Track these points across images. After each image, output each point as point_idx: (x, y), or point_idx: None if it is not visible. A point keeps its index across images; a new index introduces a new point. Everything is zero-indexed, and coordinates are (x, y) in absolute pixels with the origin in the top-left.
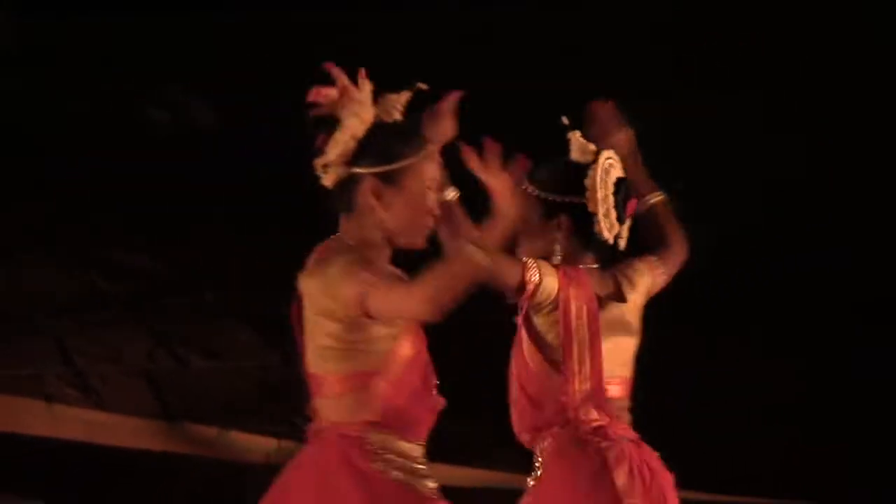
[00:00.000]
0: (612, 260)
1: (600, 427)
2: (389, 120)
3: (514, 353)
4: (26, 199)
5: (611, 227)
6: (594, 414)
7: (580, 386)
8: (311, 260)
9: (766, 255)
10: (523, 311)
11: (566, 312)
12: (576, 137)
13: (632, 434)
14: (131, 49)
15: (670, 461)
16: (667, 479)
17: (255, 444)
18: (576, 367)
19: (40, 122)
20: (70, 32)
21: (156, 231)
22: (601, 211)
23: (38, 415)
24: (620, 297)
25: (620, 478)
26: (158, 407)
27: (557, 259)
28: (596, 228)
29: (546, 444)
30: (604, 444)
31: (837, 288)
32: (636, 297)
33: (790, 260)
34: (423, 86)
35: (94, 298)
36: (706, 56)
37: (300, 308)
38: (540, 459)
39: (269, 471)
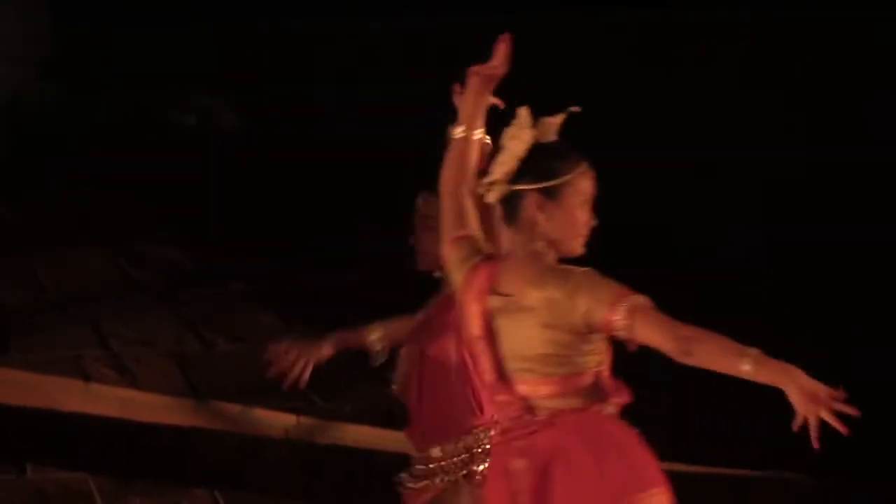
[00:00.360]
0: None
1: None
2: (546, 141)
3: (437, 333)
4: (67, 195)
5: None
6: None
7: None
8: (509, 275)
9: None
10: None
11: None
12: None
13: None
14: (161, 56)
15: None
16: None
17: (276, 420)
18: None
19: (79, 125)
20: (104, 41)
21: (185, 225)
22: None
23: (77, 393)
24: None
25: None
26: (187, 386)
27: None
28: None
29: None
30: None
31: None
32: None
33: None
34: (576, 109)
35: (129, 287)
36: None
37: (488, 318)
38: None
39: (288, 445)
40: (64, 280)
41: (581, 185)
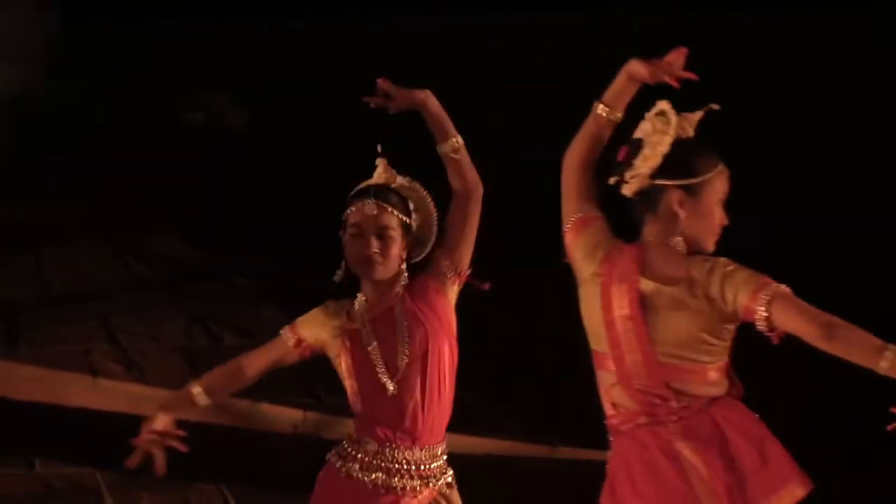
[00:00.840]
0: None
1: None
2: (685, 136)
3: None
4: (74, 193)
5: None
6: None
7: None
8: (655, 261)
9: None
10: None
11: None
12: (383, 164)
13: None
14: (168, 55)
15: None
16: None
17: (283, 416)
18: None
19: (86, 124)
20: (111, 40)
21: (192, 222)
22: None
23: (85, 388)
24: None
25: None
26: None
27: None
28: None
29: None
30: None
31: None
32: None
33: None
34: (715, 106)
35: (136, 283)
36: None
37: (639, 300)
38: None
39: (295, 440)
40: (71, 276)
41: (719, 185)
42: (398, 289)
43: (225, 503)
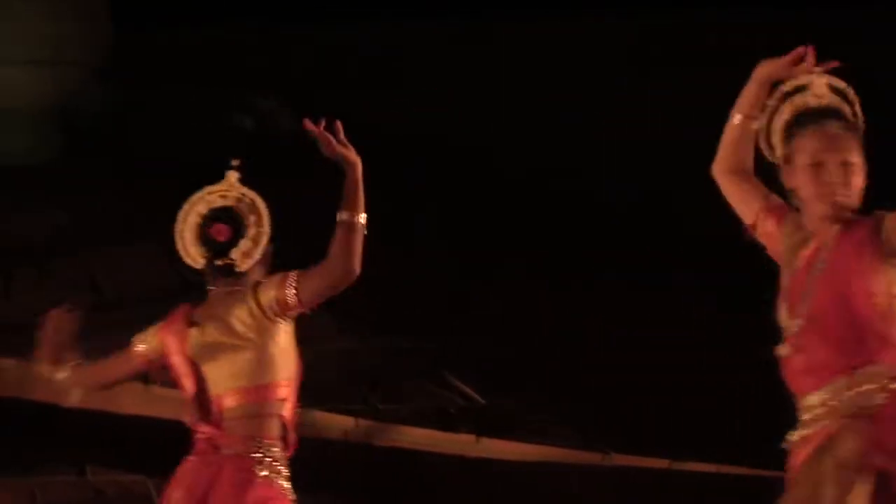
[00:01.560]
0: (227, 282)
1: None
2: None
3: None
4: (122, 198)
5: (193, 252)
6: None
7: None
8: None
9: None
10: None
11: (167, 352)
12: (228, 176)
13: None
14: (219, 59)
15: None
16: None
17: (334, 423)
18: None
19: (137, 128)
20: (162, 44)
21: None
22: (182, 236)
23: (136, 395)
24: (228, 318)
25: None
26: None
27: None
28: (181, 254)
29: None
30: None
31: None
32: (245, 312)
33: None
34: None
35: (186, 289)
36: None
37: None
38: None
39: (346, 447)
40: (122, 281)
41: (807, 147)
42: None
43: None
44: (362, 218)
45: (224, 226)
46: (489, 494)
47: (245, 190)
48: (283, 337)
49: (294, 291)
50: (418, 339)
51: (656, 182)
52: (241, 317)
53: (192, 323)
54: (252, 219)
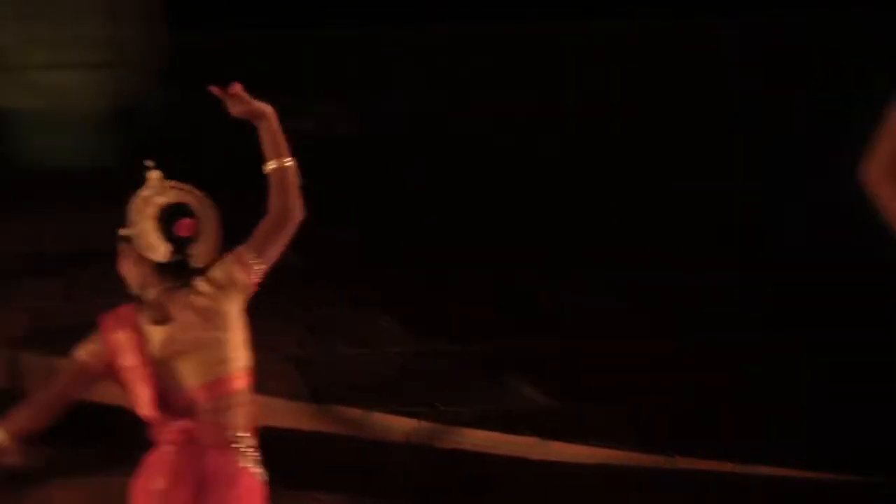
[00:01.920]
0: (187, 277)
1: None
2: None
3: None
4: None
5: (155, 250)
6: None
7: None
8: None
9: None
10: None
11: (114, 357)
12: (150, 176)
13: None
14: (278, 62)
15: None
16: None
17: (396, 425)
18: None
19: (197, 131)
20: (221, 47)
21: (305, 230)
22: (141, 234)
23: None
24: (204, 311)
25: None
26: (307, 390)
27: (139, 285)
28: (144, 253)
29: None
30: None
31: None
32: (226, 305)
33: None
34: None
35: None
36: None
37: None
38: None
39: (408, 449)
40: None
41: None
42: None
43: None
44: (290, 161)
45: (190, 221)
46: (551, 497)
47: (193, 188)
48: (240, 324)
49: (252, 253)
50: (481, 342)
51: None
52: (204, 306)
53: (153, 321)
54: (208, 215)
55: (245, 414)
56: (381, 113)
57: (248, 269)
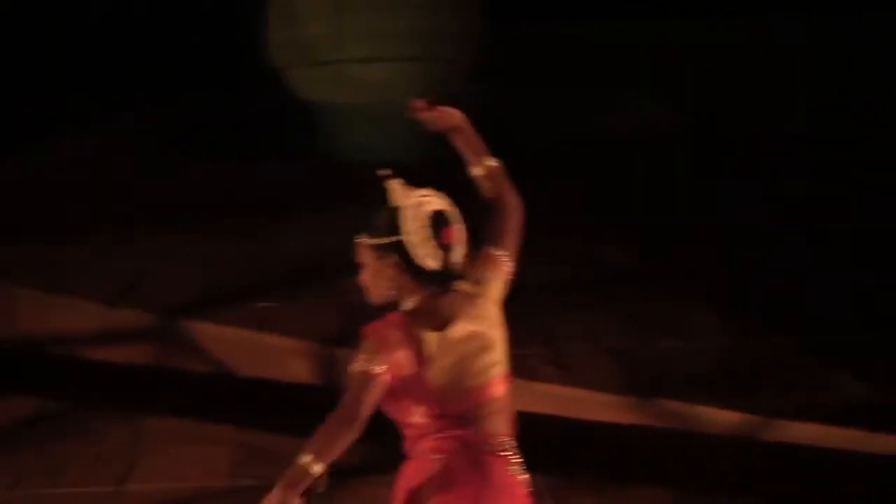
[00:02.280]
0: (450, 282)
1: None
2: None
3: None
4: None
5: (432, 256)
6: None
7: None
8: None
9: None
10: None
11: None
12: (393, 185)
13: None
14: (593, 55)
15: None
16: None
17: (717, 418)
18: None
19: (511, 125)
20: (534, 40)
21: (625, 224)
22: (416, 243)
23: (520, 391)
24: (475, 313)
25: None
26: (629, 383)
27: (394, 294)
28: (418, 261)
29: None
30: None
31: None
32: (491, 306)
33: None
34: None
35: (572, 285)
36: None
37: None
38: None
39: (729, 442)
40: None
41: None
42: None
43: None
44: (494, 161)
45: (457, 228)
46: (878, 491)
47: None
48: (503, 325)
49: (498, 249)
50: (804, 334)
51: None
52: (471, 311)
53: (429, 327)
54: (462, 220)
55: (508, 419)
56: (698, 108)
57: (500, 265)
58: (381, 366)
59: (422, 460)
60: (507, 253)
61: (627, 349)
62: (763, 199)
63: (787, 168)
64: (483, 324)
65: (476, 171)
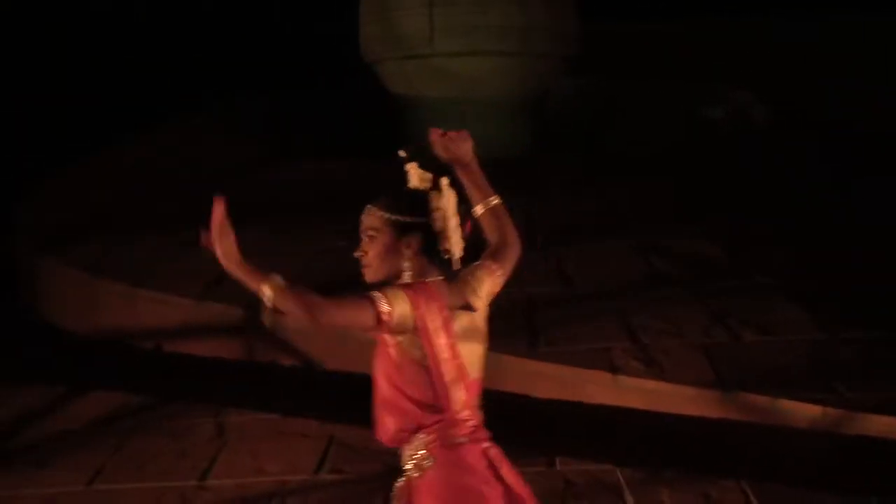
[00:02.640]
0: (451, 273)
1: (477, 427)
2: None
3: (380, 361)
4: (592, 189)
5: (457, 244)
6: (467, 414)
7: (455, 391)
8: None
9: None
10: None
11: (426, 330)
12: (413, 168)
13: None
14: (683, 50)
15: None
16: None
17: (801, 412)
18: (446, 376)
19: (605, 119)
20: (627, 35)
21: (712, 219)
22: (450, 228)
23: (606, 386)
24: (469, 307)
25: (508, 474)
26: (714, 377)
27: (408, 276)
28: (442, 246)
29: (430, 439)
30: (485, 445)
31: None
32: (481, 304)
33: None
34: None
35: (656, 279)
36: None
37: None
38: (423, 453)
39: (813, 436)
40: (592, 274)
41: None
42: None
43: (746, 500)
44: (496, 199)
45: (470, 223)
46: None
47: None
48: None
49: (501, 274)
50: (886, 328)
51: None
52: (478, 304)
53: (454, 305)
54: None
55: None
56: (791, 101)
57: (494, 274)
58: (391, 310)
59: (467, 448)
60: (502, 270)
61: (712, 344)
62: (853, 194)
63: (881, 164)
64: (477, 317)
65: (479, 209)
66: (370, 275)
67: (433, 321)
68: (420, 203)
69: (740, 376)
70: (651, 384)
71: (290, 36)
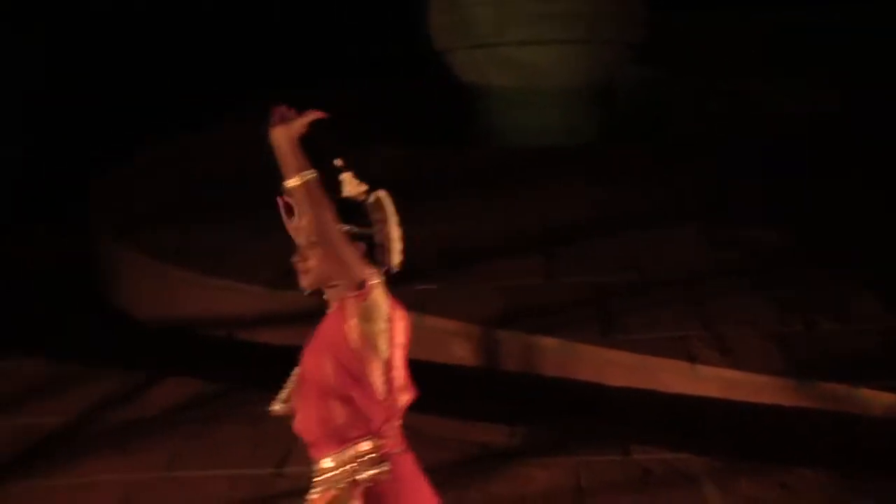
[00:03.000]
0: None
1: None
2: None
3: (330, 339)
4: (669, 178)
5: (400, 253)
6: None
7: (401, 399)
8: None
9: None
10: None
11: (394, 329)
12: (348, 177)
13: None
14: (751, 40)
15: None
16: None
17: (876, 400)
18: (396, 381)
19: (674, 109)
20: (697, 26)
21: (786, 207)
22: (394, 238)
23: (681, 374)
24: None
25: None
26: (789, 366)
27: (336, 283)
28: (385, 255)
29: (381, 444)
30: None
31: None
32: None
33: None
34: None
35: (730, 268)
36: None
37: None
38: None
39: (887, 423)
40: (666, 262)
41: None
42: None
43: (822, 489)
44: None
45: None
46: None
47: None
48: None
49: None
50: None
51: None
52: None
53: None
54: None
55: None
56: (864, 90)
57: None
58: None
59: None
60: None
61: (788, 332)
62: None
63: None
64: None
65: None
66: (306, 283)
67: (402, 320)
68: (363, 211)
69: (816, 365)
70: (727, 373)
71: (362, 25)
